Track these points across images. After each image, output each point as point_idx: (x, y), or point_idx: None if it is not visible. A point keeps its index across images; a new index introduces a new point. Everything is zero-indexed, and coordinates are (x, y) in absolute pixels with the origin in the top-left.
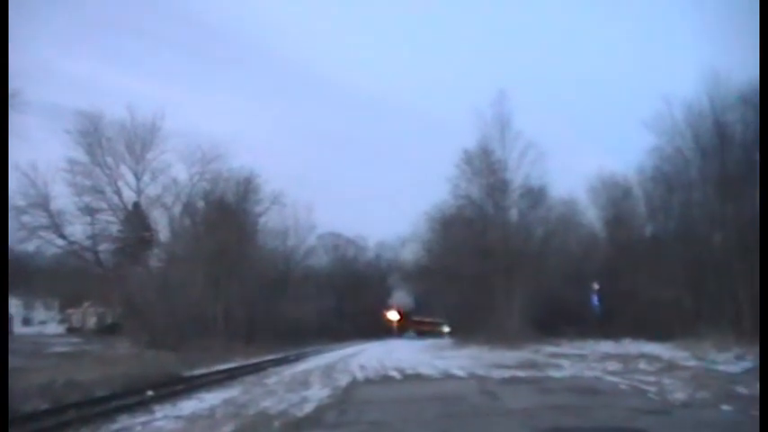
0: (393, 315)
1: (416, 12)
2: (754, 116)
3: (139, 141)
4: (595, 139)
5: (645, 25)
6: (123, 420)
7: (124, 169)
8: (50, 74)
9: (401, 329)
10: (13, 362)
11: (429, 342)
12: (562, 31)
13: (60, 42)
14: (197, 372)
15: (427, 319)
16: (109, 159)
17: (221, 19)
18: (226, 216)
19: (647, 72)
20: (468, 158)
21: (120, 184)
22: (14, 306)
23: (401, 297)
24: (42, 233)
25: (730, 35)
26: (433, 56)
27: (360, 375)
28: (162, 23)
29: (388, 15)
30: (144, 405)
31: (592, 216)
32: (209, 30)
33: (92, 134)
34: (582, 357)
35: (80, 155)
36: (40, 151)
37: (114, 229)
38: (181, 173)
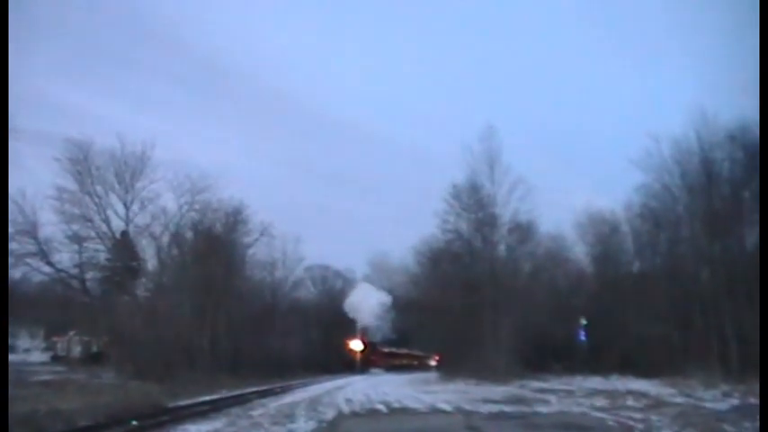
0: (356, 345)
1: (406, 46)
2: (741, 154)
3: (129, 170)
4: (583, 175)
5: (634, 64)
6: None
7: (113, 198)
8: (41, 101)
9: (366, 363)
10: None
11: (415, 376)
12: (552, 67)
13: (51, 70)
14: (182, 402)
15: (403, 351)
16: (98, 188)
17: (213, 51)
18: (214, 247)
19: (636, 109)
20: (457, 193)
21: (108, 212)
22: None
23: (366, 295)
24: (29, 260)
25: (718, 74)
26: (422, 91)
27: (346, 408)
28: (154, 54)
29: (379, 49)
30: None
31: (579, 252)
32: (201, 61)
33: (81, 162)
34: (569, 393)
35: (69, 183)
36: (29, 178)
37: (102, 257)
38: (170, 203)
